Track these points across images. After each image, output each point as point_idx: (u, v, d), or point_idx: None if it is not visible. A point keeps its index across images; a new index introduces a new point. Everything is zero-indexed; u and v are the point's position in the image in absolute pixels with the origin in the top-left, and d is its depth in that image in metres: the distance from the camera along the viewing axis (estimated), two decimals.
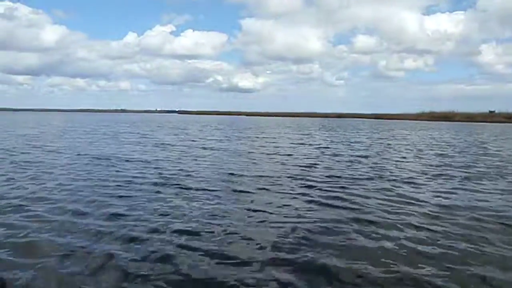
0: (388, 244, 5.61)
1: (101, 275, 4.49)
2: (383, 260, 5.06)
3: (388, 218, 6.96)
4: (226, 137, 29.12)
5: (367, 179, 11.06)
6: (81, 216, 6.76)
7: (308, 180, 10.74)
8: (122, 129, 39.05)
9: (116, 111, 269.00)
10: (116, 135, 29.36)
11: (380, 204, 8.02)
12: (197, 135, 30.34)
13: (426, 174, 12.25)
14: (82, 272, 4.54)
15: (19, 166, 12.32)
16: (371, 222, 6.68)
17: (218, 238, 5.81)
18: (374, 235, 6.03)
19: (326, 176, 11.38)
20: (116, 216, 6.81)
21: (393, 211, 7.45)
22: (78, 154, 15.74)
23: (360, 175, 11.75)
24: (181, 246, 5.42)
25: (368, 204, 7.97)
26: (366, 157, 16.78)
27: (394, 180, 10.95)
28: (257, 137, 29.70)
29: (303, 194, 8.86)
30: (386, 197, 8.65)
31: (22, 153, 16.12)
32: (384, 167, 13.69)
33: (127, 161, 14.01)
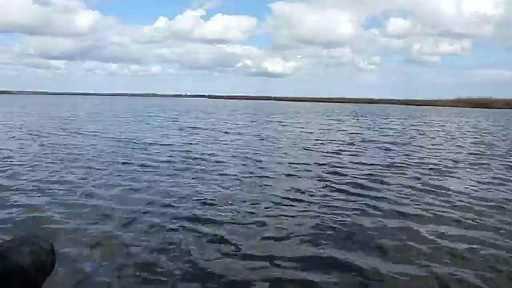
0: (415, 239, 5.19)
1: (114, 260, 4.34)
2: (411, 257, 4.67)
3: (418, 210, 6.51)
4: (253, 122, 28.85)
5: (397, 166, 10.52)
6: (92, 198, 6.70)
7: (335, 166, 10.32)
8: (150, 112, 39.44)
9: (147, 95, 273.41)
10: (144, 118, 29.62)
11: (409, 194, 7.55)
12: (224, 120, 30.18)
13: (461, 162, 11.57)
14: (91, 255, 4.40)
15: (48, 148, 12.51)
16: (400, 214, 6.26)
17: (235, 225, 5.58)
18: (401, 228, 5.61)
19: (354, 163, 10.91)
20: (132, 199, 6.69)
21: (423, 202, 6.99)
22: (105, 137, 15.87)
23: (390, 162, 11.20)
24: (195, 231, 5.24)
25: (396, 194, 7.52)
26: (397, 144, 16.09)
27: (425, 168, 10.37)
28: (284, 122, 29.25)
29: (329, 181, 8.48)
30: (416, 187, 8.15)
31: (49, 134, 16.44)
32: (416, 154, 13.04)
33: (151, 144, 14.00)
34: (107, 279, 3.95)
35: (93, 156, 11.08)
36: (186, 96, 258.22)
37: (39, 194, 6.91)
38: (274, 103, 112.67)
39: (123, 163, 10.14)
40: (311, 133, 20.42)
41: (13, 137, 15.55)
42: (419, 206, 6.71)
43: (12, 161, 10.08)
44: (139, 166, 9.76)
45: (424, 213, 6.35)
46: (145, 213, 5.99)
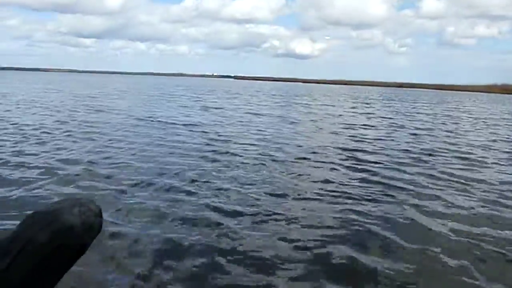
0: (446, 239, 4.70)
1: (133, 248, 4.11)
2: (436, 262, 4.21)
3: (446, 204, 5.97)
4: (278, 103, 28.28)
5: (427, 154, 9.88)
6: (108, 179, 6.50)
7: (358, 151, 9.82)
8: (175, 92, 39.40)
9: (174, 74, 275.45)
10: (167, 97, 29.55)
11: (438, 186, 6.98)
12: (248, 101, 29.75)
13: (495, 151, 10.81)
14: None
15: (62, 124, 12.51)
16: (427, 212, 5.74)
17: (251, 212, 5.24)
18: (429, 227, 5.11)
19: (379, 149, 10.35)
20: (147, 181, 6.45)
21: (453, 193, 6.43)
22: (129, 116, 15.79)
23: (419, 150, 10.57)
24: (211, 219, 4.93)
25: (424, 186, 6.96)
26: (427, 129, 15.31)
27: (457, 157, 9.70)
28: (310, 104, 28.56)
29: (351, 169, 7.98)
30: (446, 178, 7.54)
31: (67, 110, 16.52)
32: (448, 141, 12.32)
33: (170, 123, 13.80)
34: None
35: (105, 134, 10.95)
36: (212, 76, 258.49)
37: (43, 172, 6.77)
38: (300, 85, 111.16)
39: (132, 142, 9.95)
40: (337, 116, 19.76)
41: (34, 113, 15.68)
42: (447, 200, 6.18)
43: (25, 135, 10.16)
44: (155, 145, 9.56)
45: (451, 208, 5.82)
46: (155, 193, 5.75)
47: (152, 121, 14.25)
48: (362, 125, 16.04)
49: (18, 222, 0.77)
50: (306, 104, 28.94)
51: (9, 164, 7.20)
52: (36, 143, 9.31)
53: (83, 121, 13.54)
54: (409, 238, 4.60)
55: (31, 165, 7.17)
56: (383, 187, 6.71)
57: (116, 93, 32.80)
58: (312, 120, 17.11)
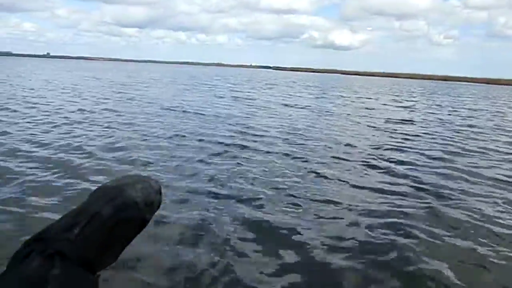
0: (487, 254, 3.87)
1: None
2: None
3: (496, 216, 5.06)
4: (314, 95, 27.27)
5: (471, 156, 8.84)
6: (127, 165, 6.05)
7: (397, 150, 8.91)
8: (210, 82, 39.12)
9: (213, 64, 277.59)
10: (201, 87, 29.25)
11: (485, 194, 6.03)
12: (284, 92, 28.90)
13: None
14: None
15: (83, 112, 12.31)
16: (469, 223, 4.88)
17: (274, 210, 4.77)
18: (471, 243, 4.27)
19: (420, 147, 9.39)
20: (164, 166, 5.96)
21: (498, 199, 5.49)
22: (157, 105, 15.55)
23: (461, 148, 9.51)
24: (229, 214, 4.56)
25: (469, 193, 6.05)
26: (472, 126, 14.00)
27: (505, 160, 8.59)
28: (348, 97, 27.30)
29: (386, 171, 7.15)
30: (497, 187, 6.55)
31: (104, 99, 16.45)
32: (496, 140, 11.10)
33: (201, 114, 13.37)
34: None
35: (130, 124, 10.62)
36: (250, 66, 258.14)
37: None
38: (339, 76, 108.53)
39: (152, 133, 9.54)
40: (375, 109, 18.61)
41: (64, 100, 15.73)
42: (495, 210, 5.26)
43: (49, 120, 10.03)
44: (175, 136, 9.17)
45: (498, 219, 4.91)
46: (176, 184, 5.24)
47: (180, 111, 13.87)
48: (401, 119, 14.91)
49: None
50: (344, 96, 27.73)
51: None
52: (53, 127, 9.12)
53: (108, 109, 13.43)
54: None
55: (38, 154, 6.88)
56: (423, 192, 5.88)
57: (151, 82, 32.94)
58: (348, 114, 16.13)
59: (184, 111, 13.82)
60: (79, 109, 12.95)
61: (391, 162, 7.79)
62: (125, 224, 0.80)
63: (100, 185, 0.83)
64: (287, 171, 6.70)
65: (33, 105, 13.39)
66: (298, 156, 7.88)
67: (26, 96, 16.06)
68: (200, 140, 8.80)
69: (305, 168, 6.96)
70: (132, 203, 0.80)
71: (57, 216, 0.78)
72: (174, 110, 13.98)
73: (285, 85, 39.08)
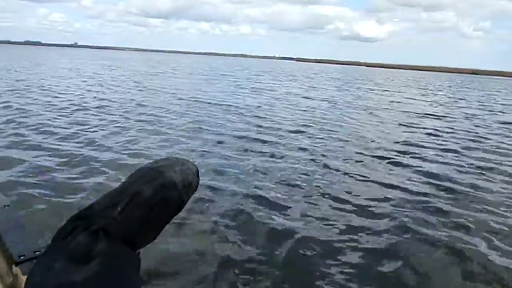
0: None
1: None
2: None
3: None
4: (336, 87, 26.49)
5: (499, 153, 8.19)
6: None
7: (422, 147, 8.34)
8: (231, 73, 38.72)
9: (236, 55, 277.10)
10: (221, 78, 28.92)
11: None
12: (306, 83, 28.24)
13: None
14: None
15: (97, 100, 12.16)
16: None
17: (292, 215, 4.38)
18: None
19: (447, 145, 8.78)
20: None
21: None
22: (173, 95, 15.34)
23: (491, 147, 8.84)
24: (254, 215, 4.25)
25: (501, 196, 5.49)
26: (504, 123, 13.14)
27: None
28: (372, 89, 26.43)
29: (412, 170, 6.63)
30: None
31: (123, 88, 16.32)
32: None
33: (220, 104, 13.08)
34: None
35: (157, 114, 10.37)
36: (274, 58, 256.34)
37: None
38: (364, 69, 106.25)
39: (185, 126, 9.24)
40: (400, 103, 17.83)
41: (81, 88, 15.67)
42: None
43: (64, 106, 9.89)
44: (191, 128, 8.87)
45: None
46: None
47: (198, 101, 13.59)
48: (427, 114, 14.19)
49: None
50: (367, 89, 26.85)
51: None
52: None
53: (126, 98, 13.27)
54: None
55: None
56: (449, 193, 5.37)
57: (172, 72, 32.83)
58: (371, 107, 15.48)
59: (202, 102, 13.55)
60: (94, 97, 12.84)
61: (414, 159, 7.27)
62: (164, 204, 0.82)
63: (138, 167, 0.83)
64: (303, 166, 6.30)
65: (46, 90, 13.36)
66: (317, 150, 7.45)
67: (47, 84, 16.11)
68: (217, 134, 8.47)
69: (324, 163, 6.54)
70: (171, 184, 0.82)
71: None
72: (193, 101, 13.70)
73: (308, 77, 38.32)
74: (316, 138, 8.72)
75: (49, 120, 8.87)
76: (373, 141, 8.78)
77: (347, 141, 8.58)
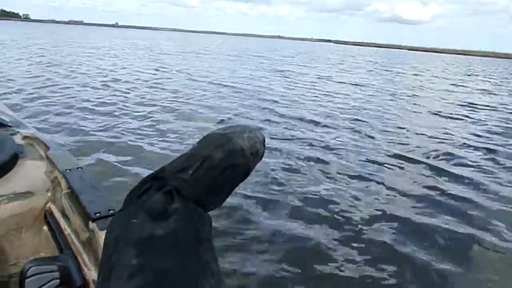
0: None
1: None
2: None
3: None
4: (374, 72, 24.42)
5: None
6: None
7: (470, 147, 6.80)
8: (266, 54, 37.19)
9: (273, 37, 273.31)
10: (250, 60, 27.53)
11: None
12: (341, 67, 26.35)
13: None
14: None
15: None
16: None
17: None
18: None
19: (497, 142, 7.15)
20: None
21: None
22: (188, 76, 14.15)
23: None
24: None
25: None
26: None
27: None
28: (414, 75, 24.19)
29: (456, 176, 5.18)
30: None
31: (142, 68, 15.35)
32: None
33: (247, 90, 11.83)
34: None
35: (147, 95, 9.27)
36: (311, 40, 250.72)
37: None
38: (405, 52, 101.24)
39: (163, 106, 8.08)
40: (444, 91, 15.86)
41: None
42: None
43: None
44: (213, 114, 7.90)
45: None
46: None
47: (223, 85, 12.42)
48: (474, 104, 12.32)
49: None
50: (409, 74, 24.60)
51: None
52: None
53: (140, 78, 12.36)
54: None
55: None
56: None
57: (201, 53, 31.72)
58: (412, 95, 13.73)
59: (216, 84, 12.43)
60: (113, 79, 11.91)
61: (453, 161, 5.82)
62: (233, 170, 0.82)
63: (207, 133, 0.85)
64: (330, 164, 5.27)
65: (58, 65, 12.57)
66: (348, 144, 6.29)
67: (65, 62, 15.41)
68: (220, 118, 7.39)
69: (352, 161, 5.40)
70: (239, 151, 0.82)
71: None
72: (206, 82, 12.60)
73: (344, 60, 36.17)
74: (347, 128, 7.50)
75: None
76: (409, 135, 7.35)
77: (381, 134, 7.15)
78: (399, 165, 5.56)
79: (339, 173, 5.01)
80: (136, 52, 25.66)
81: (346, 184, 4.68)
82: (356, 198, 4.30)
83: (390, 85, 16.57)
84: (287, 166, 5.11)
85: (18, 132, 2.16)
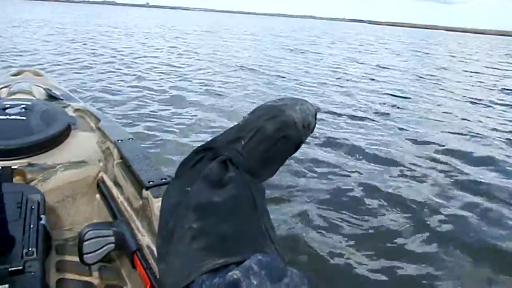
0: None
1: None
2: None
3: None
4: (409, 54, 22.11)
5: None
6: None
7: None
8: (286, 33, 35.23)
9: (304, 16, 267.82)
10: (279, 40, 25.80)
11: None
12: (371, 49, 24.21)
13: None
14: None
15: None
16: None
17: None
18: None
19: None
20: None
21: None
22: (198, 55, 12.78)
23: None
24: None
25: None
26: None
27: None
28: (452, 57, 21.76)
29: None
30: None
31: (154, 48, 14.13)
32: None
33: (267, 74, 10.48)
34: None
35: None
36: (343, 20, 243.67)
37: None
38: (443, 33, 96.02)
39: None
40: (488, 76, 13.73)
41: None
42: None
43: None
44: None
45: None
46: None
47: (210, 61, 11.30)
48: None
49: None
50: (447, 57, 22.17)
51: None
52: None
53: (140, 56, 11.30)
54: None
55: None
56: None
57: (219, 33, 30.24)
58: (450, 81, 11.82)
59: (222, 64, 11.32)
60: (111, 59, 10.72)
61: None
62: (285, 142, 0.82)
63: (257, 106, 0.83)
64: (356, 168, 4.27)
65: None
66: (375, 144, 5.10)
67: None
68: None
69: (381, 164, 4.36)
70: (291, 123, 0.82)
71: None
72: (209, 61, 11.36)
73: (375, 41, 33.74)
74: (374, 121, 6.27)
75: None
76: (447, 130, 5.92)
77: (415, 129, 5.65)
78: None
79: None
80: (159, 31, 24.54)
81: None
82: None
83: (424, 68, 14.57)
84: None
85: (69, 105, 2.28)
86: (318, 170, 4.10)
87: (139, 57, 11.68)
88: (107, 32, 20.88)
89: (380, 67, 14.09)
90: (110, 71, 8.97)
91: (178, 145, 4.47)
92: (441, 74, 13.43)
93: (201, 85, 8.11)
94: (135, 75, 8.75)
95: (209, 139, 0.96)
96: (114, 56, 11.52)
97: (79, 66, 9.30)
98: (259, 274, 0.61)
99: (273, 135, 0.80)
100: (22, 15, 32.01)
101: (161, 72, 9.45)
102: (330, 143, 5.03)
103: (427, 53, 23.44)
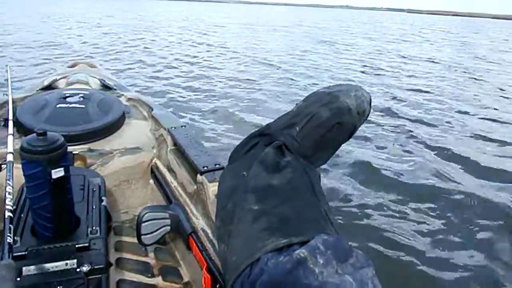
0: None
1: None
2: None
3: None
4: (450, 45, 21.24)
5: None
6: None
7: None
8: (314, 24, 34.60)
9: (341, 6, 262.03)
10: (308, 32, 25.42)
11: None
12: (408, 39, 23.41)
13: None
14: None
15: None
16: None
17: None
18: None
19: None
20: None
21: None
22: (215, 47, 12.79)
23: None
24: None
25: None
26: None
27: None
28: (499, 48, 20.68)
29: None
30: None
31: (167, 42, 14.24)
32: None
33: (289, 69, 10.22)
34: None
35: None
36: (381, 9, 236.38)
37: None
38: (489, 22, 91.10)
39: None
40: None
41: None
42: None
43: None
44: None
45: None
46: None
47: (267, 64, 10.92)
48: None
49: None
50: (492, 47, 21.10)
51: None
52: None
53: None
54: None
55: None
56: None
57: (243, 25, 30.09)
58: (498, 74, 11.25)
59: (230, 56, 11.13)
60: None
61: None
62: (339, 128, 0.81)
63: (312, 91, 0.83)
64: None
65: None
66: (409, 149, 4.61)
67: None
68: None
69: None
70: (346, 109, 0.81)
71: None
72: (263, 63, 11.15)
73: (413, 31, 32.52)
74: (407, 118, 5.83)
75: None
76: (493, 130, 5.42)
77: (457, 130, 5.34)
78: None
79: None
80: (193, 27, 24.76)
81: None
82: None
83: (474, 63, 13.92)
84: None
85: (122, 94, 2.37)
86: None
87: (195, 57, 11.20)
88: (163, 27, 21.21)
89: (424, 60, 13.60)
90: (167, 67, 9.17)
91: (227, 135, 4.55)
92: (486, 69, 12.81)
93: (247, 83, 7.84)
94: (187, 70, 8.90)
95: (257, 128, 0.96)
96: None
97: (133, 60, 9.74)
98: (325, 253, 0.62)
99: (328, 121, 0.80)
100: (62, 9, 32.96)
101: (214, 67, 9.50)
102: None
103: (473, 45, 22.36)
